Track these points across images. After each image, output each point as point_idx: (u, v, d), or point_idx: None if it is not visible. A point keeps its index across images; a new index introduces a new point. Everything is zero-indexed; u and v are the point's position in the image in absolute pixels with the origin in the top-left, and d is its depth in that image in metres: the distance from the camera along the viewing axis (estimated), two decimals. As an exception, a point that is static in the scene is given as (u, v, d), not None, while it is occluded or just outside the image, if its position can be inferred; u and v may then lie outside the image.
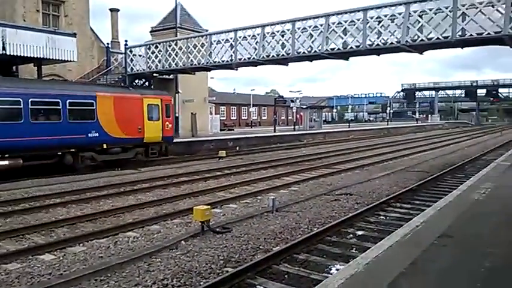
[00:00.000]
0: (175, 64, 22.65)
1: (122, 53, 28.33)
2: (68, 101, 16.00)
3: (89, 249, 7.15)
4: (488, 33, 14.06)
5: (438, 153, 23.50)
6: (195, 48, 21.66)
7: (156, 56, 23.67)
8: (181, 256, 6.70)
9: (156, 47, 23.80)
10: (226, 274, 5.75)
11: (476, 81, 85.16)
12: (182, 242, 7.35)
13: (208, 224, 7.92)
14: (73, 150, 16.17)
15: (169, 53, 22.88)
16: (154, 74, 25.94)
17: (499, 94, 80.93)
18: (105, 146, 17.27)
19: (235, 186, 13.37)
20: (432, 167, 17.14)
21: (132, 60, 25.51)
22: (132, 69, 25.33)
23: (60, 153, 15.85)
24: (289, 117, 65.79)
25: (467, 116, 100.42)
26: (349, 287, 3.84)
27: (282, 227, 8.42)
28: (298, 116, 49.31)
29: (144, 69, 24.64)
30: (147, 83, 26.50)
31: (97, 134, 16.88)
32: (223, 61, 20.73)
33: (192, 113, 30.84)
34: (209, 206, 8.17)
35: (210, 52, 21.08)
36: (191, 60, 21.83)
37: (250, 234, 7.89)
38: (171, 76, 28.19)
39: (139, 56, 25.53)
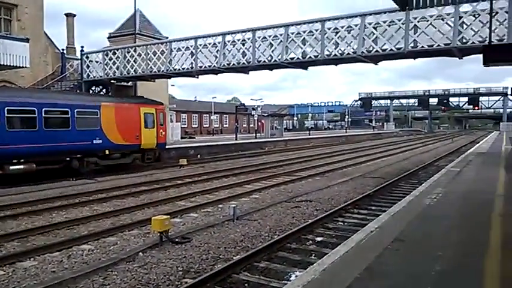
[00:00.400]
0: (134, 71, 22.28)
1: (78, 59, 27.51)
2: (76, 110, 17.37)
3: (40, 264, 6.81)
4: (439, 45, 14.87)
5: (393, 160, 24.38)
6: (154, 55, 21.41)
7: (114, 63, 23.18)
8: (138, 268, 6.53)
9: (114, 54, 23.31)
10: (185, 285, 5.66)
11: (429, 90, 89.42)
12: (140, 254, 7.17)
13: (167, 235, 7.78)
14: (79, 155, 17.46)
15: (128, 59, 22.49)
16: (112, 81, 25.35)
17: (450, 103, 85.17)
18: (107, 152, 18.54)
19: (196, 194, 13.23)
20: (388, 174, 17.74)
21: (88, 66, 24.83)
22: (88, 75, 24.65)
23: (68, 158, 17.08)
24: (251, 125, 66.10)
25: (420, 124, 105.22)
26: (306, 294, 3.90)
27: (242, 235, 8.40)
28: (259, 123, 49.67)
29: (101, 76, 24.06)
30: (104, 90, 25.84)
31: (100, 141, 18.21)
32: (183, 68, 20.63)
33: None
34: (168, 216, 8.03)
35: (170, 59, 20.93)
36: (151, 67, 21.55)
37: (211, 244, 7.82)
38: (130, 83, 27.65)
39: (96, 62, 24.92)
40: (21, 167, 15.42)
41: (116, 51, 23.42)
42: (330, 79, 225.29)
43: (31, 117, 15.77)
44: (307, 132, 58.96)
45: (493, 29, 13.16)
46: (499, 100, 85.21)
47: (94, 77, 24.63)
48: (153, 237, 8.05)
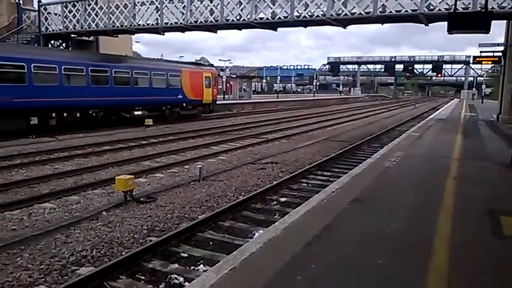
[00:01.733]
0: (96, 25, 21.21)
1: (35, 11, 25.74)
2: (169, 73, 23.64)
3: (0, 222, 6.65)
4: (406, 11, 14.96)
5: (358, 124, 24.97)
6: (117, 9, 20.39)
7: (74, 16, 21.93)
8: (102, 227, 6.50)
9: (74, 6, 22.01)
10: (149, 243, 5.71)
11: (395, 57, 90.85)
12: (103, 213, 7.12)
13: (131, 194, 7.74)
14: (169, 106, 23.80)
15: (89, 12, 21.32)
16: (73, 35, 24.08)
17: (415, 70, 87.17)
18: (184, 105, 24.92)
19: (162, 155, 13.11)
20: (352, 137, 18.19)
21: (46, 19, 23.40)
22: (46, 28, 23.27)
23: (164, 108, 23.48)
24: (219, 86, 65.14)
25: (386, 90, 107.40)
26: (266, 251, 4.04)
27: (208, 196, 8.48)
28: (228, 85, 49.09)
29: (60, 30, 22.79)
30: (64, 45, 24.55)
31: (181, 97, 24.48)
32: (148, 24, 19.84)
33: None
34: (132, 176, 7.96)
35: (134, 14, 20.02)
36: (113, 21, 20.56)
37: (176, 203, 7.86)
38: (92, 38, 26.36)
39: (55, 14, 23.49)
40: (140, 112, 21.72)
41: (75, 3, 22.07)
42: (299, 42, 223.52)
43: (146, 78, 22.17)
44: (276, 95, 58.94)
45: (459, -4, 13.35)
46: (461, 68, 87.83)
47: (53, 30, 23.27)
48: (118, 196, 7.98)
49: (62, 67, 17.76)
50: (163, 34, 21.93)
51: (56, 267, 5.11)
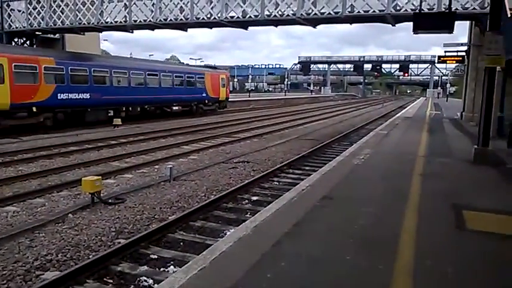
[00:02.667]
0: (61, 22, 20.57)
1: (-4, 7, 24.70)
2: (197, 76, 29.50)
3: (-43, 227, 6.35)
4: (374, 11, 15.27)
5: (329, 123, 25.33)
6: (83, 6, 19.84)
7: (39, 12, 21.19)
8: (68, 230, 6.31)
9: (39, 2, 21.27)
10: (117, 245, 5.59)
11: (364, 56, 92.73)
12: (70, 215, 6.92)
13: (99, 196, 7.55)
14: (195, 103, 29.16)
15: (54, 9, 20.65)
16: (37, 33, 23.26)
17: (382, 69, 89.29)
18: (206, 102, 30.40)
19: (132, 155, 12.87)
20: (322, 135, 18.43)
21: (10, 15, 22.50)
22: (10, 26, 22.35)
23: (192, 104, 28.86)
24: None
25: (355, 89, 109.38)
26: (237, 249, 4.03)
27: (179, 196, 8.39)
28: (199, 84, 48.67)
29: (24, 27, 21.93)
30: (28, 42, 23.69)
31: (205, 95, 30.15)
32: (116, 22, 19.39)
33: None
34: (99, 177, 7.77)
35: (101, 11, 19.53)
36: (79, 18, 20.00)
37: (146, 204, 7.73)
38: (57, 36, 25.55)
39: (19, 11, 22.61)
40: (176, 108, 26.97)
41: (40, -1, 21.35)
42: (270, 42, 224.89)
43: (182, 80, 27.72)
44: (247, 94, 58.95)
45: (424, -3, 13.74)
46: (427, 68, 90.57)
47: (17, 27, 22.42)
48: (85, 198, 7.77)
49: (130, 72, 23.13)
50: (132, 32, 21.52)
51: (20, 272, 4.93)
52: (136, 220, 6.88)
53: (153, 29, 20.50)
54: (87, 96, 20.01)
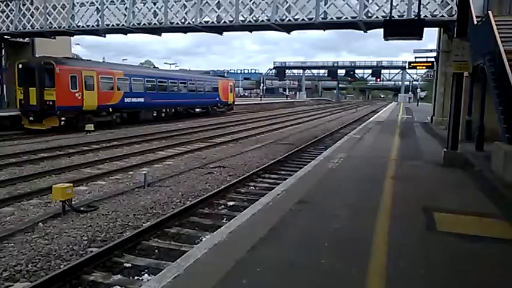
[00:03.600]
0: (31, 26, 20.04)
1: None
2: (212, 83, 35.02)
3: None
4: (346, 18, 15.57)
5: (304, 127, 25.56)
6: (54, 9, 19.40)
7: (8, 16, 20.58)
8: (38, 239, 6.13)
9: (7, 5, 20.65)
10: (90, 254, 5.46)
11: (337, 62, 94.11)
12: (40, 224, 6.72)
13: (70, 203, 7.36)
14: (210, 106, 34.55)
15: (24, 12, 20.11)
16: (6, 36, 22.56)
17: (356, 74, 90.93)
18: (219, 105, 35.96)
19: (105, 161, 12.62)
20: (298, 140, 18.58)
21: (-25, 18, 21.68)
22: (-25, 28, 21.56)
23: (208, 106, 34.21)
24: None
25: (329, 94, 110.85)
26: (212, 256, 4.01)
27: (153, 202, 8.28)
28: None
29: (-9, 30, 21.21)
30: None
31: (217, 99, 35.61)
32: (88, 26, 19.03)
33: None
34: (71, 184, 7.58)
35: (73, 15, 19.14)
36: (50, 22, 19.53)
37: (119, 212, 7.59)
38: (27, 40, 24.83)
39: (-15, 14, 21.84)
40: (198, 110, 33.24)
41: (8, 2, 20.71)
42: (245, 47, 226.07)
43: (202, 87, 33.05)
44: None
45: (394, 5, 14.12)
46: (398, 73, 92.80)
47: (-17, 30, 21.66)
48: (56, 206, 7.57)
49: (169, 81, 28.92)
50: (105, 36, 21.16)
51: (-14, 285, 4.75)
52: (109, 228, 6.75)
53: (126, 34, 20.23)
54: (142, 100, 25.28)
